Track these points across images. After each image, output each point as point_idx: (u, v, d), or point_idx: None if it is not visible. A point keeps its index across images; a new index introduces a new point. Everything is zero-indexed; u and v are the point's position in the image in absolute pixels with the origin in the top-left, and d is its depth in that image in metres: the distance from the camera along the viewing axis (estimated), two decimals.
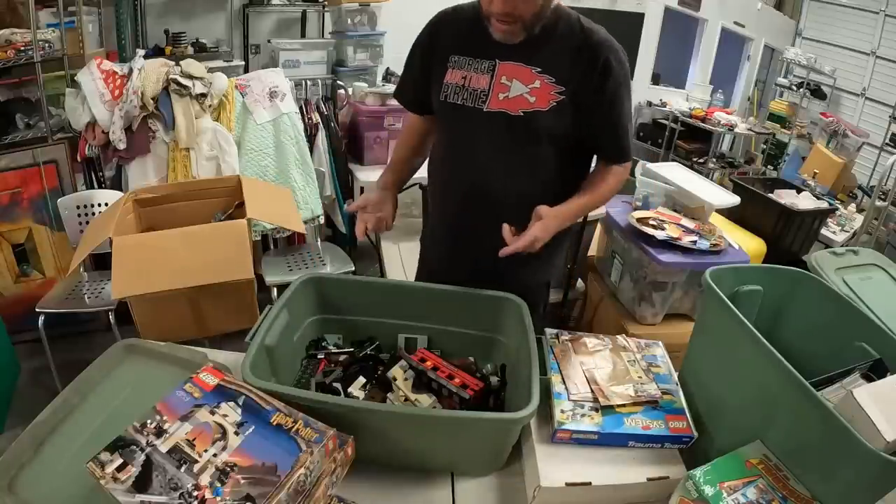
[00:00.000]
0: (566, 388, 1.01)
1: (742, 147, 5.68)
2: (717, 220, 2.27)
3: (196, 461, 0.74)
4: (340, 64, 3.67)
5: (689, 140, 5.21)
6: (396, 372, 1.09)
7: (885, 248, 3.58)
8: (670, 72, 5.63)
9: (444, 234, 1.37)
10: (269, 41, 3.72)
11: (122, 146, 2.35)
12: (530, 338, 1.01)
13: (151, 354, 1.07)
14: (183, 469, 0.73)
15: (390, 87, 3.01)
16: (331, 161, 2.91)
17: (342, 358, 1.15)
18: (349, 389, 1.06)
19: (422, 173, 1.42)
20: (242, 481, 0.72)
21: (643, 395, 1.01)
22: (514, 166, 1.20)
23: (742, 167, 5.24)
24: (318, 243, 2.77)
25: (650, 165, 2.36)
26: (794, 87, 5.81)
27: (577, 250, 2.30)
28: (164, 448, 0.76)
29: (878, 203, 3.66)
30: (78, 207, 2.36)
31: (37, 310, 2.11)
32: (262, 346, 0.97)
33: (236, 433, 0.78)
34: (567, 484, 0.88)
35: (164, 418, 0.79)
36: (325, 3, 3.80)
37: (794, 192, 3.02)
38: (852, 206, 3.95)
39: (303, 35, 4.00)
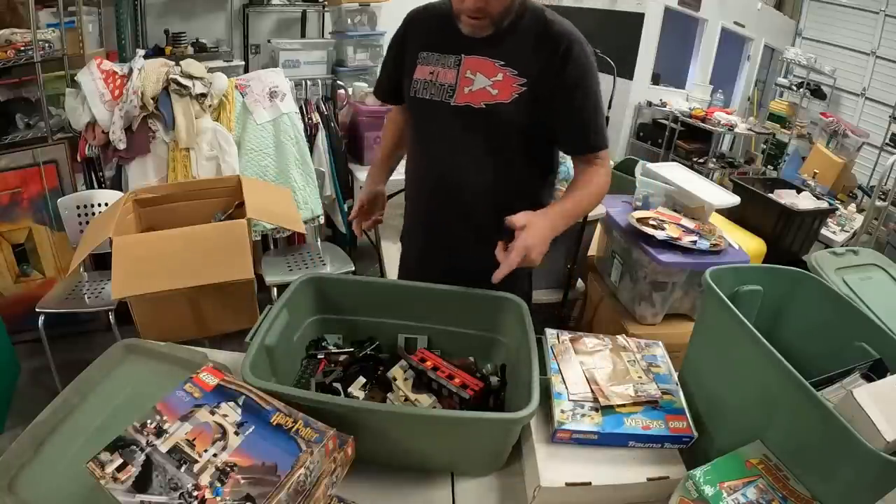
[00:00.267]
0: (566, 388, 1.01)
1: (742, 147, 5.69)
2: (717, 220, 2.27)
3: (196, 461, 0.74)
4: (340, 64, 3.68)
5: (689, 140, 5.21)
6: (396, 372, 1.09)
7: (885, 248, 3.58)
8: (670, 72, 5.63)
9: (419, 230, 1.39)
10: (269, 41, 3.72)
11: (122, 146, 2.35)
12: (530, 338, 1.01)
13: (151, 354, 1.07)
14: (183, 469, 0.73)
15: None
16: (331, 161, 2.91)
17: (342, 358, 1.15)
18: (349, 389, 1.06)
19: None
20: (242, 481, 0.72)
21: (643, 395, 1.01)
22: (481, 160, 1.21)
23: (742, 167, 5.25)
24: (318, 243, 2.77)
25: (650, 165, 2.36)
26: (794, 87, 5.81)
27: (577, 250, 2.30)
28: (164, 448, 0.76)
29: (878, 203, 3.66)
30: (78, 207, 2.36)
31: (37, 310, 2.11)
32: (262, 346, 0.97)
33: (236, 433, 0.78)
34: (567, 484, 0.88)
35: (164, 418, 0.79)
36: (325, 3, 3.80)
37: (794, 192, 3.02)
38: (852, 206, 3.96)
39: (303, 35, 4.00)
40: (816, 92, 5.73)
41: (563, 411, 0.96)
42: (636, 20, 5.01)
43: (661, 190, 2.17)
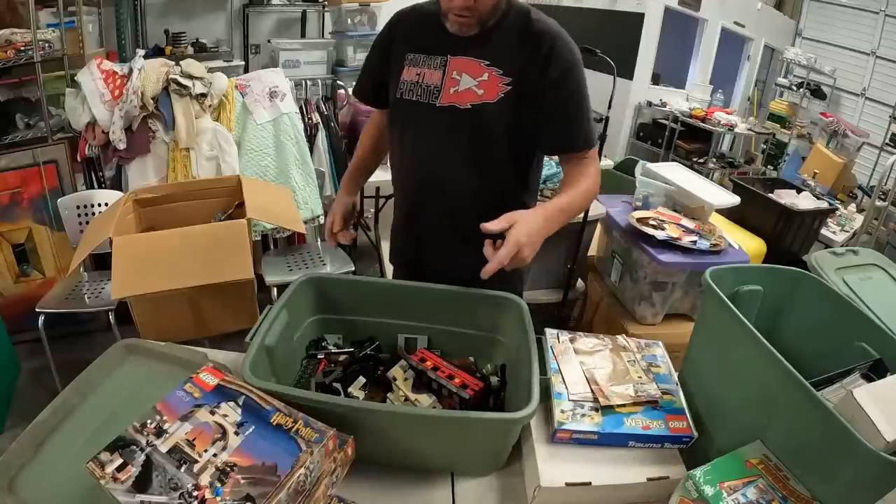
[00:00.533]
0: (566, 388, 1.01)
1: (742, 147, 5.69)
2: (717, 220, 2.28)
3: (196, 461, 0.74)
4: (340, 64, 3.68)
5: (689, 140, 5.21)
6: (396, 372, 1.09)
7: (885, 248, 3.58)
8: (670, 72, 5.63)
9: (405, 231, 1.38)
10: (269, 41, 3.72)
11: (122, 146, 2.35)
12: (530, 338, 1.01)
13: (151, 354, 1.07)
14: (183, 469, 0.73)
15: None
16: (331, 161, 2.91)
17: (342, 358, 1.15)
18: (349, 389, 1.06)
19: None
20: (242, 481, 0.72)
21: (643, 395, 1.01)
22: (465, 160, 1.20)
23: (742, 167, 5.25)
24: (318, 243, 2.77)
25: (650, 165, 2.36)
26: (794, 87, 5.81)
27: (577, 250, 2.30)
28: (164, 448, 0.76)
29: (878, 203, 3.66)
30: (78, 207, 2.36)
31: (37, 310, 2.11)
32: (262, 346, 0.97)
33: (236, 433, 0.78)
34: (567, 484, 0.88)
35: (164, 418, 0.79)
36: (325, 3, 3.81)
37: (794, 192, 3.02)
38: (852, 206, 3.96)
39: (303, 35, 4.01)
40: (816, 92, 5.73)
41: (563, 411, 0.96)
42: (636, 20, 5.01)
43: (661, 190, 2.17)
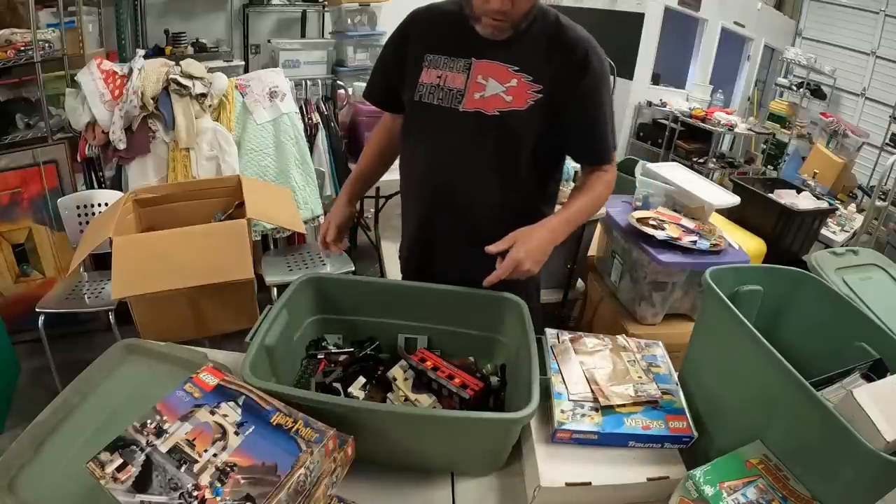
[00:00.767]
0: (566, 388, 1.01)
1: (742, 147, 5.69)
2: (717, 220, 2.28)
3: (196, 461, 0.74)
4: (340, 64, 3.68)
5: (689, 140, 5.21)
6: (396, 372, 1.09)
7: (885, 248, 3.58)
8: (670, 72, 5.63)
9: (417, 237, 1.33)
10: (269, 41, 3.72)
11: (122, 146, 2.35)
12: (530, 338, 1.01)
13: (151, 354, 1.07)
14: (183, 469, 0.73)
15: None
16: (331, 161, 2.91)
17: (342, 358, 1.15)
18: (349, 389, 1.06)
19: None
20: (242, 481, 0.72)
21: (643, 395, 1.01)
22: (487, 167, 1.18)
23: (742, 167, 5.24)
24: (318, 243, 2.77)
25: (650, 165, 2.36)
26: (794, 87, 5.81)
27: (577, 250, 2.30)
28: (164, 448, 0.76)
29: (878, 203, 3.66)
30: (78, 207, 2.36)
31: (37, 310, 2.11)
32: (262, 346, 0.97)
33: (236, 433, 0.78)
34: (567, 484, 0.88)
35: (164, 418, 0.79)
36: (325, 3, 3.81)
37: (794, 192, 3.02)
38: (852, 206, 3.96)
39: (303, 35, 4.01)
40: (816, 92, 5.73)
41: (563, 411, 0.96)
42: (636, 20, 5.01)
43: (661, 190, 2.17)
